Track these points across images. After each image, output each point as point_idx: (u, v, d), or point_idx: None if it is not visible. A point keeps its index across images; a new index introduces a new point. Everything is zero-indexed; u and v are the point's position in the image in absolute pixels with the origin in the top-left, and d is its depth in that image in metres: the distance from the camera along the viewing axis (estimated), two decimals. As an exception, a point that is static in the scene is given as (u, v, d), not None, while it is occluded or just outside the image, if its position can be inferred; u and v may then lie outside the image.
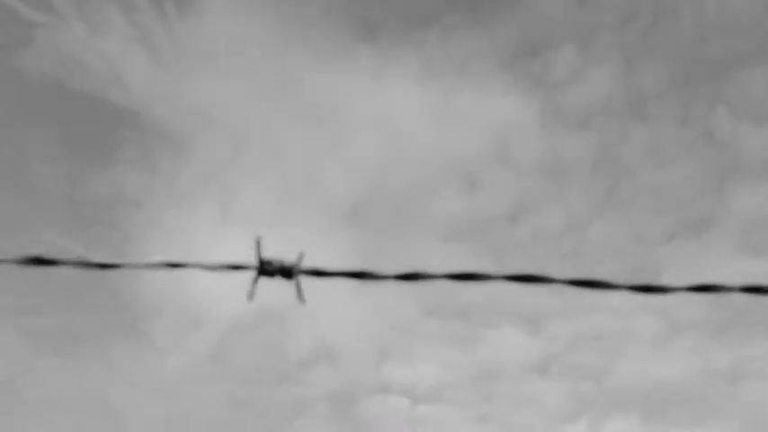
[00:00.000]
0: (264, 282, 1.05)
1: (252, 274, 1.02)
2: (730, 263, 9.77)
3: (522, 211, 10.34)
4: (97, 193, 10.02)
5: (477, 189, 10.48)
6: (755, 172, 10.07)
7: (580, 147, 10.31)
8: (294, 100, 10.29)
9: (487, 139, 10.27)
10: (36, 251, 1.12)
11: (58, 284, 10.15)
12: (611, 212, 10.29)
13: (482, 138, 10.25)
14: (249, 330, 10.01)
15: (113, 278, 10.11)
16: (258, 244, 0.97)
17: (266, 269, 0.97)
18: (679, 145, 10.29)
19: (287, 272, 0.92)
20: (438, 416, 9.65)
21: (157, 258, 1.07)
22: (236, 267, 1.01)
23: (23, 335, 9.38)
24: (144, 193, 10.05)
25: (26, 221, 10.00)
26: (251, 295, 0.96)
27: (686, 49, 10.34)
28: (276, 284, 1.08)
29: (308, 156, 10.42)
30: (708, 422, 9.18)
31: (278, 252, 1.08)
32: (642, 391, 9.50)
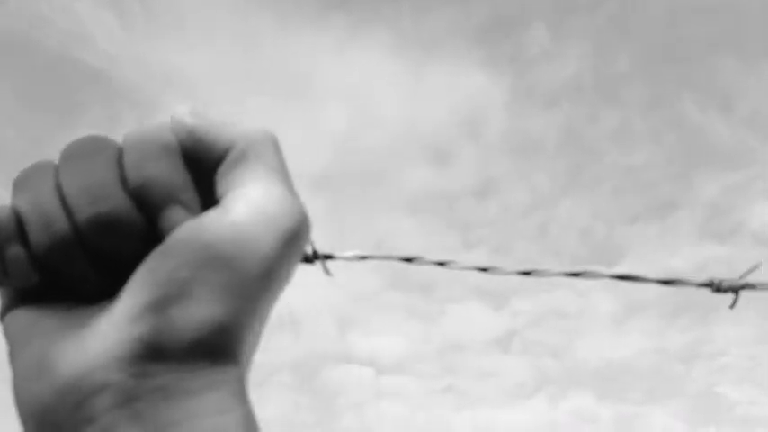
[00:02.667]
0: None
1: None
2: (692, 248, 10.16)
3: (490, 187, 10.58)
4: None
5: (446, 163, 10.68)
6: (720, 159, 10.43)
7: (548, 125, 10.55)
8: (264, 66, 10.32)
9: (457, 114, 10.44)
10: None
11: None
12: (577, 192, 10.58)
13: (451, 112, 10.42)
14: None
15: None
16: None
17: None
18: (646, 129, 10.60)
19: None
20: (401, 387, 9.93)
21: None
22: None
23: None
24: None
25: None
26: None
27: (656, 33, 10.60)
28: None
29: (275, 123, 10.47)
30: (661, 400, 9.61)
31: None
32: (599, 369, 9.89)
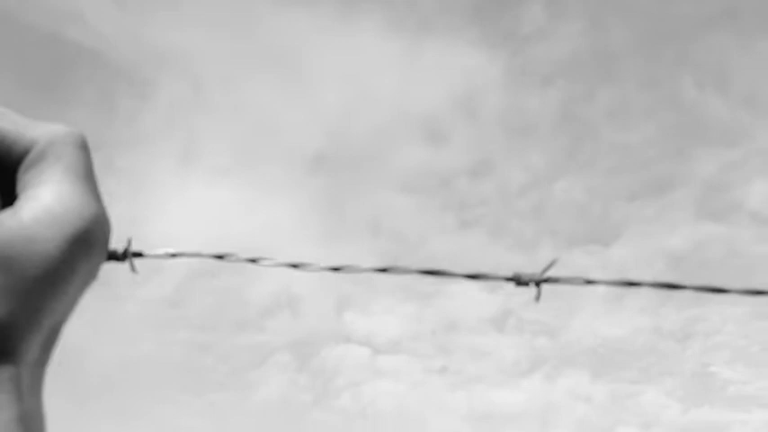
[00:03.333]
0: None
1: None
2: (689, 226, 10.16)
3: (485, 166, 10.60)
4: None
5: (441, 142, 10.70)
6: (717, 137, 10.39)
7: (545, 104, 10.53)
8: (258, 45, 10.35)
9: (452, 93, 10.44)
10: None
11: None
12: (573, 170, 10.58)
13: (446, 91, 10.42)
14: (209, 277, 10.23)
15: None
16: None
17: None
18: (643, 106, 10.56)
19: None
20: (398, 366, 10.04)
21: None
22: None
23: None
24: (102, 135, 10.11)
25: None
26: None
27: (653, 10, 10.52)
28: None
29: (270, 102, 10.52)
30: (655, 379, 9.67)
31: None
32: (594, 348, 9.95)
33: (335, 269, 1.07)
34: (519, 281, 0.98)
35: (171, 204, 10.16)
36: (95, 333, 9.45)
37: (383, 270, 1.00)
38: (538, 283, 0.97)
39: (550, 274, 0.97)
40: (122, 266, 1.03)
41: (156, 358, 9.76)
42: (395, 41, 10.36)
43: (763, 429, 9.03)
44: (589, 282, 0.98)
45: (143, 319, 9.64)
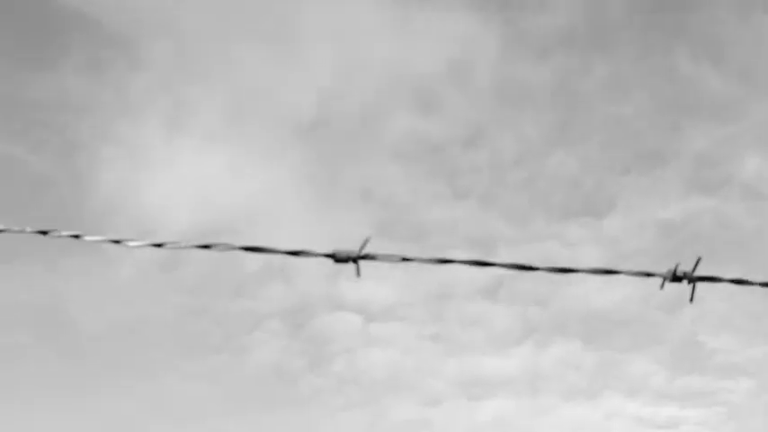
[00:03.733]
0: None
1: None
2: (681, 199, 10.16)
3: (478, 136, 10.59)
4: (41, 96, 10.09)
5: (434, 110, 10.69)
6: (711, 110, 10.34)
7: (539, 74, 10.48)
8: (248, 8, 10.31)
9: (446, 60, 10.40)
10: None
11: (2, 193, 10.35)
12: (566, 142, 10.57)
13: (441, 58, 10.38)
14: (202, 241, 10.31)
15: (60, 186, 10.32)
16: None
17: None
18: (637, 79, 10.49)
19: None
20: (390, 333, 10.17)
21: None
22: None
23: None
24: (91, 99, 10.14)
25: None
26: None
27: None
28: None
29: (261, 67, 10.52)
30: (643, 348, 9.76)
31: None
32: (584, 317, 10.04)
33: (158, 245, 1.11)
34: (336, 258, 1.03)
35: (161, 170, 10.23)
36: (89, 297, 9.60)
37: (205, 246, 1.05)
38: (355, 260, 1.02)
39: (368, 251, 1.02)
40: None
41: (150, 322, 9.92)
42: (389, 7, 10.31)
43: (749, 397, 9.14)
44: (405, 259, 1.03)
45: (137, 283, 9.77)
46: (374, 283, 10.15)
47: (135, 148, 10.17)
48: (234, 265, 10.16)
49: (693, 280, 1.00)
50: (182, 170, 10.24)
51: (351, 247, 1.03)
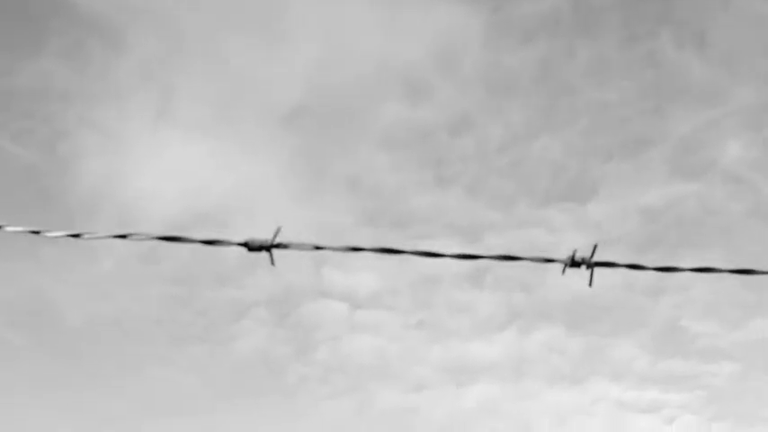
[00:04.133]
0: None
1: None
2: (664, 184, 10.23)
3: (464, 123, 10.63)
4: (23, 84, 10.06)
5: (420, 98, 10.72)
6: (694, 96, 10.39)
7: (524, 61, 10.51)
8: None
9: (432, 48, 10.42)
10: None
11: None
12: (551, 128, 10.61)
13: (426, 46, 10.40)
14: (186, 232, 10.33)
15: (45, 176, 10.32)
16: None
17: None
18: (621, 64, 10.53)
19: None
20: (376, 320, 10.23)
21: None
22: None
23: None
24: (74, 86, 10.12)
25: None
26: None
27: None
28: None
29: (248, 56, 10.52)
30: (627, 332, 9.86)
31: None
32: (568, 303, 10.12)
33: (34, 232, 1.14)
34: (250, 247, 1.07)
35: (147, 160, 10.23)
36: (72, 291, 9.62)
37: (122, 236, 1.09)
38: (268, 249, 1.06)
39: (280, 240, 1.06)
40: None
41: (135, 314, 9.95)
42: (373, -5, 10.31)
43: (732, 381, 9.24)
44: (318, 248, 1.08)
45: (120, 276, 9.80)
46: (360, 270, 10.21)
47: (120, 137, 10.17)
48: (218, 255, 10.20)
49: (591, 265, 1.06)
50: (167, 159, 10.25)
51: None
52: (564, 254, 1.24)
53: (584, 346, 9.81)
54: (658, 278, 9.88)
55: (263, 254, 1.07)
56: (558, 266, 1.24)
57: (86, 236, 1.10)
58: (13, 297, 9.66)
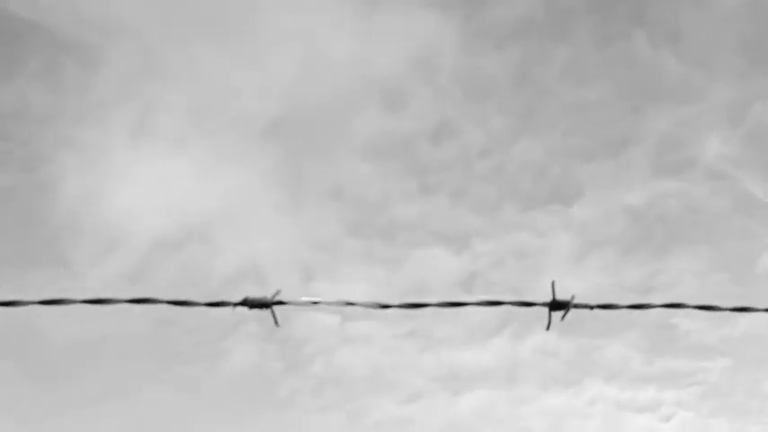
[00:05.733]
0: None
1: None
2: (646, 183, 10.36)
3: (445, 129, 10.72)
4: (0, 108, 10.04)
5: (399, 106, 10.79)
6: (671, 94, 10.54)
7: (501, 65, 10.61)
8: (208, 11, 10.33)
9: (409, 56, 10.50)
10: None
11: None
12: (531, 131, 10.72)
13: (403, 54, 10.47)
14: (172, 249, 10.37)
15: (25, 198, 10.30)
16: None
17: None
18: (598, 65, 10.66)
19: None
20: (367, 332, 10.28)
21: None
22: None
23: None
24: (51, 108, 10.11)
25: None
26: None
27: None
28: None
29: (224, 69, 10.55)
30: (618, 332, 9.97)
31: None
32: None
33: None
34: (251, 305, 1.13)
35: (129, 176, 10.23)
36: (56, 313, 9.59)
37: (136, 301, 1.15)
38: (269, 306, 1.12)
39: (281, 298, 1.12)
40: None
41: (122, 334, 9.95)
42: (350, 5, 10.38)
43: (725, 374, 9.37)
44: (315, 303, 1.13)
45: (105, 295, 9.77)
46: (350, 282, 10.25)
47: (99, 155, 10.17)
48: (204, 272, 10.21)
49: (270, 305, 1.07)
50: (148, 176, 10.26)
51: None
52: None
53: (576, 349, 9.92)
54: (648, 277, 10.00)
55: (265, 311, 1.12)
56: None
57: (108, 302, 1.15)
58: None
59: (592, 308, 1.26)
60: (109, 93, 10.24)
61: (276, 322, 1.13)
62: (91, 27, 10.11)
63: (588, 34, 10.62)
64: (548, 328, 1.20)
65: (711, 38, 10.36)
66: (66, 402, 9.34)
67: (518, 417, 9.40)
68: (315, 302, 1.15)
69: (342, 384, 9.74)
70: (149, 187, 10.36)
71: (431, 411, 9.54)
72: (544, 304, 1.21)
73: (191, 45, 10.47)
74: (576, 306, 1.20)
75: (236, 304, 1.16)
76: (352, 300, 1.15)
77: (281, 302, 1.14)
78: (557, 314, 1.22)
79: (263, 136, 10.58)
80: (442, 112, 10.68)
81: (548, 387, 9.63)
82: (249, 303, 1.14)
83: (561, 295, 1.26)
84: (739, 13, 10.24)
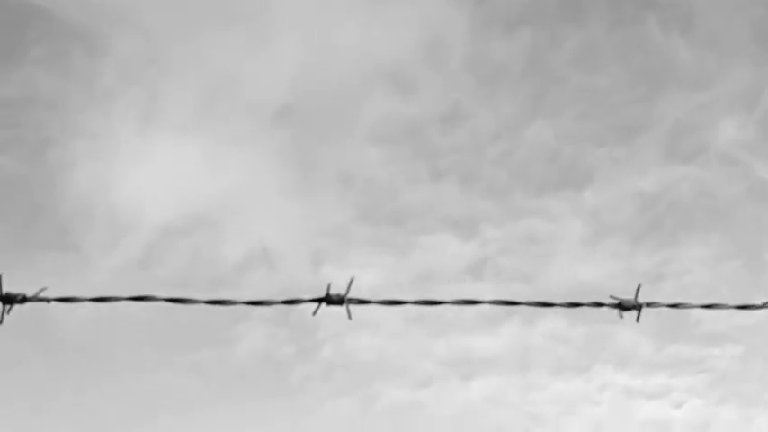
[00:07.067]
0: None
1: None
2: (659, 169, 10.40)
3: (455, 114, 10.75)
4: (7, 94, 10.09)
5: (409, 91, 10.82)
6: (684, 79, 10.55)
7: (512, 50, 10.63)
8: (218, -2, 10.34)
9: (418, 41, 10.52)
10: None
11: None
12: (542, 116, 10.75)
13: (412, 39, 10.49)
14: (181, 235, 10.44)
15: (34, 185, 10.37)
16: None
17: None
18: (610, 50, 10.67)
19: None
20: (377, 317, 10.36)
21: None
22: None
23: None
24: (59, 94, 10.15)
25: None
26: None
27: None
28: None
29: (231, 55, 10.57)
30: (629, 320, 10.02)
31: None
32: (570, 292, 10.30)
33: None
34: (329, 301, 1.20)
35: (136, 163, 10.29)
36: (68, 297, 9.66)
37: (176, 300, 1.21)
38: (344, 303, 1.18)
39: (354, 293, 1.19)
40: None
41: (133, 319, 10.04)
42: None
43: (736, 361, 9.46)
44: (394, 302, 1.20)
45: (115, 281, 9.88)
46: (359, 267, 10.32)
47: (108, 142, 10.23)
48: (214, 257, 10.30)
49: (639, 306, 1.18)
50: (156, 162, 10.32)
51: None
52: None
53: (586, 335, 10.00)
54: (660, 263, 10.06)
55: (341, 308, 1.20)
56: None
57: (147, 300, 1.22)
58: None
59: (659, 306, 1.32)
60: (116, 79, 10.28)
61: (349, 316, 1.20)
62: (98, 13, 10.13)
63: (600, 19, 10.63)
64: (624, 317, 1.26)
65: (725, 22, 10.37)
66: (77, 386, 9.45)
67: (529, 402, 9.51)
68: (363, 301, 1.21)
69: (352, 369, 9.84)
70: (158, 173, 10.42)
71: (442, 396, 9.64)
72: (610, 305, 1.27)
73: (198, 31, 10.49)
74: (649, 305, 1.26)
75: (313, 300, 1.23)
76: (401, 298, 1.22)
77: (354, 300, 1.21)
78: (628, 313, 1.28)
79: (271, 122, 10.63)
80: (452, 96, 10.72)
81: (558, 373, 9.72)
82: (328, 300, 1.21)
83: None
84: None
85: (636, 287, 1.25)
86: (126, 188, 10.25)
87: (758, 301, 1.67)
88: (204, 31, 10.48)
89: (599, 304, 1.30)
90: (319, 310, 1.19)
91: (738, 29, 10.36)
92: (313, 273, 10.37)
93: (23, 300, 1.21)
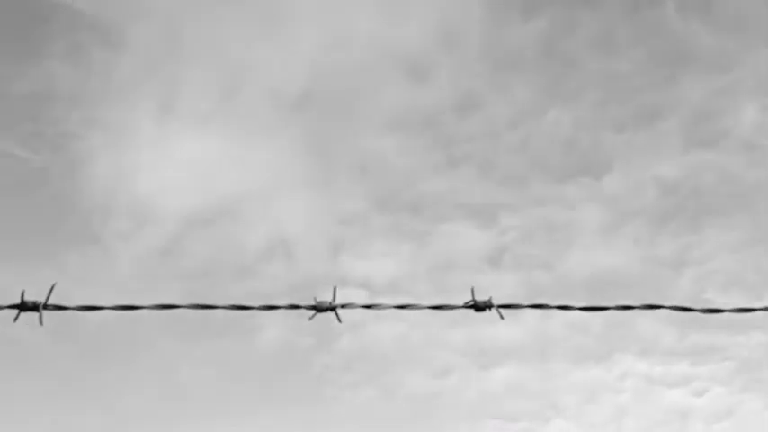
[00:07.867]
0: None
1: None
2: (680, 155, 10.34)
3: (471, 101, 10.75)
4: (27, 89, 10.24)
5: (425, 79, 10.83)
6: (704, 63, 10.46)
7: (528, 35, 10.60)
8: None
9: (434, 28, 10.52)
10: None
11: None
12: (560, 103, 10.72)
13: (428, 26, 10.50)
14: (203, 225, 10.57)
15: (55, 179, 10.53)
16: None
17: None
18: (628, 35, 10.60)
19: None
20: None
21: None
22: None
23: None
24: (78, 87, 10.30)
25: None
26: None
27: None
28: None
29: (249, 45, 10.65)
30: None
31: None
32: (589, 279, 10.29)
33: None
34: (318, 309, 1.26)
35: (157, 155, 10.42)
36: (90, 288, 9.86)
37: (202, 306, 1.28)
38: (333, 309, 1.25)
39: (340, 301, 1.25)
40: None
41: (156, 310, 10.14)
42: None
43: (759, 349, 9.42)
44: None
45: (138, 272, 10.03)
46: (378, 257, 10.40)
47: (128, 134, 10.36)
48: (235, 247, 10.42)
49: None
50: (177, 153, 10.44)
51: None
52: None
53: (606, 323, 9.99)
54: (681, 250, 10.02)
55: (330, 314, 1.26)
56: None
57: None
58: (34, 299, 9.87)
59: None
60: (135, 71, 10.40)
61: (339, 320, 1.27)
62: (115, 6, 10.24)
63: (616, 3, 10.56)
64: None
65: (744, 4, 10.25)
66: (101, 377, 9.62)
67: (548, 391, 9.54)
68: (368, 306, 1.28)
69: (372, 359, 9.93)
70: (178, 164, 10.55)
71: (462, 386, 9.70)
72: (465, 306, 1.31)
73: (216, 21, 10.57)
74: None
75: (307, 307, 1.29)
76: (408, 302, 1.28)
77: (343, 306, 1.27)
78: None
79: (289, 111, 10.70)
80: (468, 84, 10.71)
81: (578, 361, 9.74)
82: (317, 308, 1.28)
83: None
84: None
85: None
86: (147, 179, 10.38)
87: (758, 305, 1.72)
88: (222, 21, 10.56)
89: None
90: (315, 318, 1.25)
91: (758, 11, 10.25)
92: (333, 262, 10.45)
93: (45, 307, 1.30)
